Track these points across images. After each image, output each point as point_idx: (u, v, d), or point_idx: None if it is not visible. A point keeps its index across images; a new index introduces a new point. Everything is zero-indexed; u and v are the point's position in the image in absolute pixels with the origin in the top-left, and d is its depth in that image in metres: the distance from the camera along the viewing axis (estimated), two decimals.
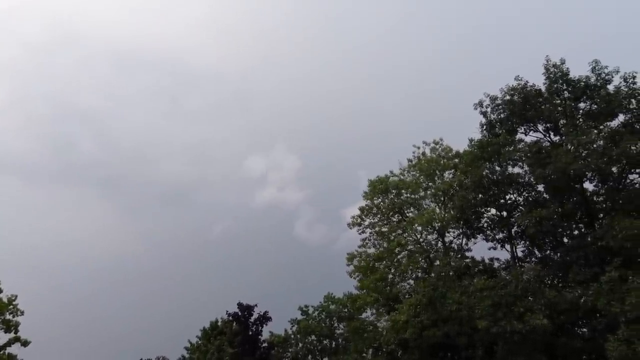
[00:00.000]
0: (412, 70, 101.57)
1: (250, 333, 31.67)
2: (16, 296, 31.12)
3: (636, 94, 25.65)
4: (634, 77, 25.82)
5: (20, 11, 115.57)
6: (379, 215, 33.20)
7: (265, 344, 32.45)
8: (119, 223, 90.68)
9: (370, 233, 33.19)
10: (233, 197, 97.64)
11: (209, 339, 36.62)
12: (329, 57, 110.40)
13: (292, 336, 35.01)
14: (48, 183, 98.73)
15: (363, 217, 33.43)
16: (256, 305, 32.33)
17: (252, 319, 31.93)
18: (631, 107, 25.74)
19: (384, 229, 32.63)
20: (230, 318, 32.73)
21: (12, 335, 30.25)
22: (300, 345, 34.67)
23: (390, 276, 31.75)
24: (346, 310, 33.86)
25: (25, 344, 30.24)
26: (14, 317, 30.59)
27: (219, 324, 36.57)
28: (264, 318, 32.03)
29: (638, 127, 25.49)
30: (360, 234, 33.41)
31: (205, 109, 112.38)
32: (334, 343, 34.26)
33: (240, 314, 32.01)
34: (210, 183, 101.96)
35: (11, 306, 30.72)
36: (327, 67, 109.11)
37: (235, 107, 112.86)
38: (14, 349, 29.66)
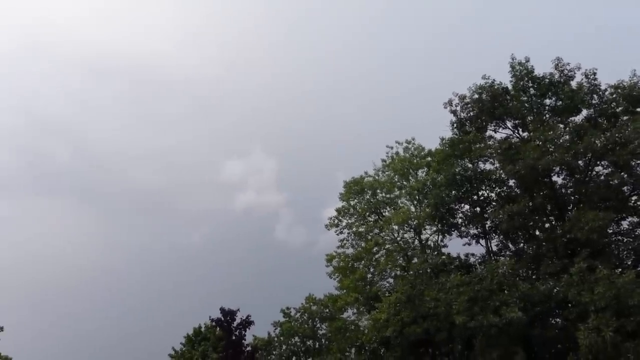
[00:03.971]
0: (386, 72, 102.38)
1: (234, 338, 31.39)
2: None
3: (597, 90, 26.64)
4: (594, 74, 26.83)
5: None
6: (355, 216, 33.37)
7: (249, 348, 32.17)
8: (96, 233, 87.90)
9: (348, 234, 33.35)
10: (211, 202, 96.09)
11: (193, 345, 36.19)
12: (302, 59, 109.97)
13: (276, 339, 34.87)
14: (21, 195, 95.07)
15: (340, 218, 33.57)
16: (238, 309, 32.08)
17: (235, 324, 31.60)
18: (593, 102, 26.73)
19: (361, 229, 32.82)
20: (214, 323, 32.45)
21: None
22: (284, 347, 34.54)
23: (370, 275, 31.95)
24: (327, 310, 33.92)
25: None
26: None
27: (202, 329, 36.29)
28: (247, 322, 31.71)
29: (601, 121, 26.45)
30: (338, 234, 33.61)
31: (179, 115, 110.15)
32: (317, 343, 34.32)
33: (223, 319, 31.67)
34: (187, 190, 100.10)
35: None
36: (301, 69, 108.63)
37: (209, 112, 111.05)
38: None
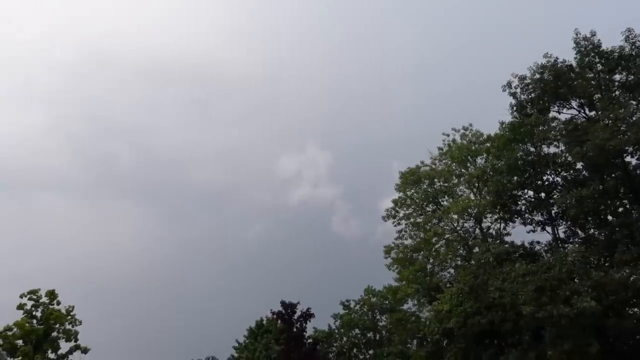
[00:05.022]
0: (437, 67, 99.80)
1: (295, 330, 32.08)
2: (73, 307, 33.25)
3: None
4: None
5: (51, 36, 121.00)
6: (412, 206, 33.13)
7: (310, 340, 32.81)
8: (159, 230, 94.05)
9: (405, 224, 33.19)
10: (268, 198, 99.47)
11: (256, 338, 37.46)
12: (357, 54, 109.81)
13: (336, 331, 35.51)
14: (91, 197, 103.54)
15: (397, 209, 33.45)
16: (298, 302, 32.78)
17: (295, 316, 32.31)
18: None
19: (419, 220, 32.57)
20: (275, 316, 33.24)
21: (72, 343, 32.40)
22: (345, 339, 35.22)
23: (430, 266, 31.70)
24: (387, 302, 34.04)
25: (85, 351, 32.36)
26: (72, 326, 32.73)
27: (264, 322, 37.47)
28: (307, 314, 32.29)
29: None
30: (395, 226, 33.57)
31: (235, 115, 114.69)
32: (377, 335, 34.53)
33: (284, 311, 32.45)
34: (245, 186, 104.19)
35: (69, 316, 32.86)
36: (353, 63, 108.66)
37: (264, 110, 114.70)
38: (75, 356, 31.80)
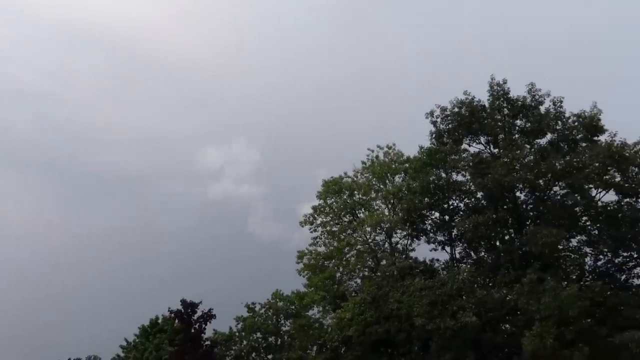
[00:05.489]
0: (374, 75, 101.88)
1: (193, 331, 30.44)
2: None
3: (562, 117, 28.74)
4: (561, 102, 28.94)
5: None
6: (331, 215, 34.38)
7: (208, 342, 31.41)
8: (54, 213, 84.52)
9: (321, 232, 34.26)
10: (185, 189, 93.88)
11: (148, 337, 34.67)
12: (298, 52, 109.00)
13: (237, 334, 34.36)
14: None
15: (315, 216, 34.50)
16: (200, 302, 31.10)
17: (195, 317, 30.64)
18: (557, 127, 28.84)
19: (334, 229, 33.86)
20: (172, 315, 31.31)
21: None
22: (245, 342, 34.18)
23: (339, 275, 33.08)
24: (294, 307, 34.38)
25: None
26: None
27: (160, 321, 34.69)
28: (208, 315, 30.73)
29: (562, 145, 28.61)
30: (312, 232, 34.50)
31: (163, 99, 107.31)
32: (279, 340, 34.37)
33: (183, 311, 30.64)
34: (162, 174, 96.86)
35: None
36: (293, 63, 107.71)
37: (195, 97, 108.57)
38: None
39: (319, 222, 34.37)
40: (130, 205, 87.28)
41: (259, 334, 34.71)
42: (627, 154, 25.95)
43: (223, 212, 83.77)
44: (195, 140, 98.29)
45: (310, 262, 33.94)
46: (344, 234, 33.39)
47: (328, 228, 34.15)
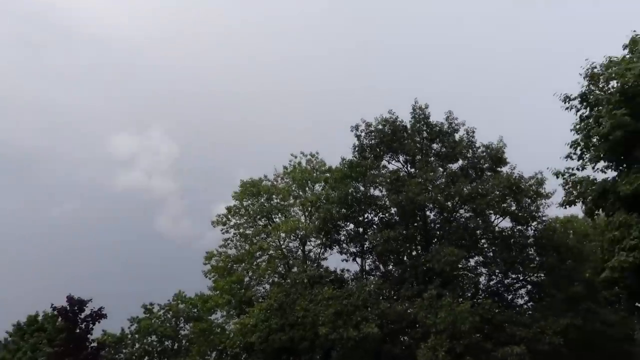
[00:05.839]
0: (309, 77, 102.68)
1: (78, 331, 27.94)
2: None
3: (473, 146, 31.16)
4: (473, 132, 31.42)
5: None
6: (245, 217, 33.68)
7: (94, 344, 29.01)
8: None
9: (234, 234, 33.41)
10: (89, 175, 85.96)
11: (23, 336, 31.88)
12: (232, 50, 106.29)
13: (129, 336, 32.45)
14: None
15: (229, 217, 33.57)
16: (90, 300, 28.56)
17: (82, 315, 28.14)
18: (468, 155, 31.17)
19: (248, 231, 33.19)
20: (56, 312, 28.57)
21: None
22: (138, 345, 32.36)
23: (247, 279, 32.38)
24: (196, 310, 33.04)
25: None
26: None
27: (40, 318, 32.30)
28: (98, 315, 28.30)
29: (470, 172, 30.91)
30: (223, 233, 33.52)
31: (76, 72, 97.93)
32: (176, 344, 32.80)
33: (69, 308, 27.96)
34: (64, 156, 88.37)
35: None
36: (221, 56, 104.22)
37: (113, 78, 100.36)
38: None
39: (232, 223, 33.49)
40: (24, 185, 78.60)
41: (154, 337, 32.42)
42: (522, 186, 28.76)
43: (131, 204, 78.61)
44: (109, 123, 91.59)
45: (219, 264, 32.82)
46: (257, 237, 32.80)
47: (241, 230, 33.36)
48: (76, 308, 28.37)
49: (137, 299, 35.03)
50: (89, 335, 28.85)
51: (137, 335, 32.59)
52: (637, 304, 23.65)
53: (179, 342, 33.06)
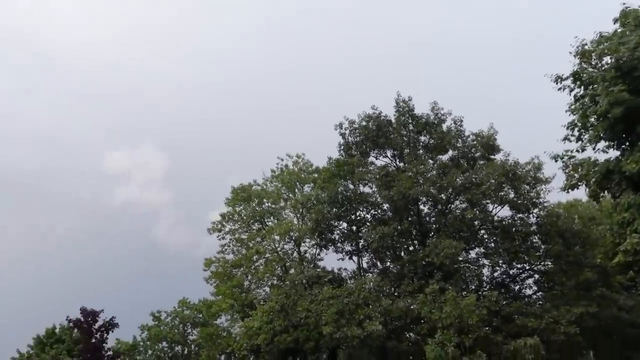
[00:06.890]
0: (289, 82, 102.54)
1: (94, 341, 29.19)
2: None
3: (462, 135, 30.93)
4: (461, 121, 31.22)
5: None
6: (239, 223, 33.54)
7: (110, 353, 30.09)
8: None
9: (230, 240, 33.32)
10: (87, 192, 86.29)
11: (43, 348, 32.36)
12: (213, 58, 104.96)
13: (142, 343, 32.80)
14: None
15: (224, 223, 33.41)
16: (102, 310, 29.88)
17: (96, 326, 29.45)
18: (458, 145, 30.91)
19: (243, 236, 33.06)
20: (71, 324, 29.88)
21: None
22: (150, 352, 33.16)
23: (247, 283, 32.20)
24: (201, 316, 33.00)
25: None
26: None
27: (57, 331, 32.54)
28: (110, 324, 29.74)
29: (462, 162, 30.67)
30: (220, 240, 33.45)
31: (67, 93, 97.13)
32: (186, 349, 33.10)
33: (83, 320, 29.31)
34: (61, 174, 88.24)
35: None
36: (204, 67, 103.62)
37: (103, 98, 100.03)
38: None
39: (227, 229, 33.39)
40: (25, 205, 77.13)
41: (164, 343, 32.70)
42: (519, 173, 28.43)
43: (129, 217, 78.02)
44: (102, 141, 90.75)
45: (218, 270, 32.78)
46: (252, 242, 32.63)
47: (237, 236, 33.34)
48: (90, 319, 29.39)
49: (143, 307, 35.45)
50: (104, 345, 29.82)
51: (148, 342, 32.93)
52: None
53: (188, 347, 33.32)
